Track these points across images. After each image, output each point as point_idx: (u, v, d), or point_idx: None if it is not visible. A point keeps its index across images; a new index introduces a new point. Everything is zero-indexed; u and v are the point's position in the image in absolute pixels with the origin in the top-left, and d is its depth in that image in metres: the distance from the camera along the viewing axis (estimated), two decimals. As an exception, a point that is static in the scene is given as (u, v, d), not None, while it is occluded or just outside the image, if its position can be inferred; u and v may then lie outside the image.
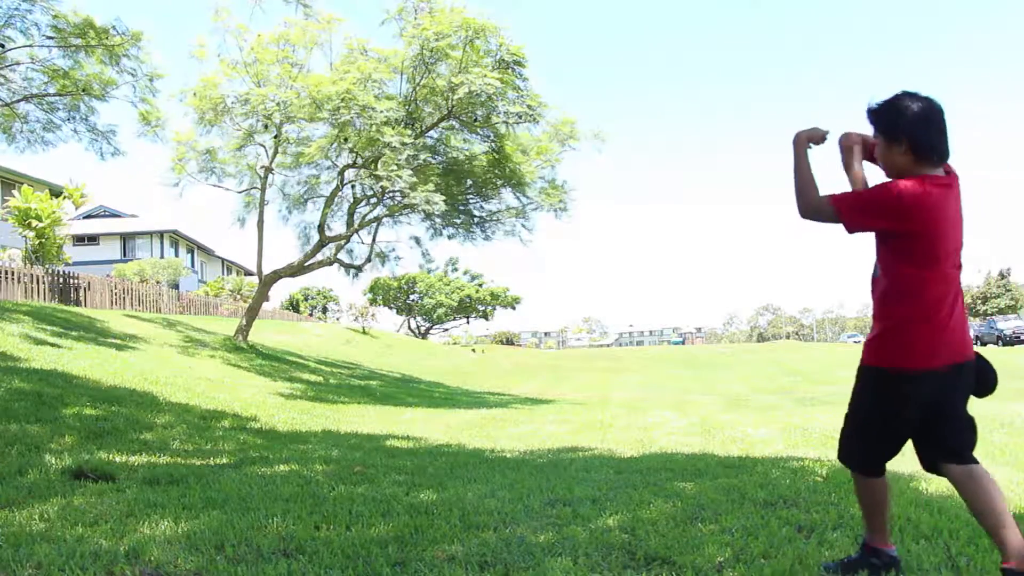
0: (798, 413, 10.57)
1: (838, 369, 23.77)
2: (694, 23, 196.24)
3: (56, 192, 21.76)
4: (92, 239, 39.08)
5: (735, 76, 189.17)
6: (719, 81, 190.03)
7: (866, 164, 2.51)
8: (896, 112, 2.30)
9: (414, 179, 14.48)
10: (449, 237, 18.54)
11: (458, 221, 17.74)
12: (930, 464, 2.38)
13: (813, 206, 2.38)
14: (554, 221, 17.92)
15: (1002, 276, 67.12)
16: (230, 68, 16.15)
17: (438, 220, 17.60)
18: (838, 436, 2.58)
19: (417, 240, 19.14)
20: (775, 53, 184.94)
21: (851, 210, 2.33)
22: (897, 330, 2.33)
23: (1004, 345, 32.96)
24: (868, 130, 2.45)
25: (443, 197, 14.85)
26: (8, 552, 2.58)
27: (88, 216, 40.57)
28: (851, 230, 2.35)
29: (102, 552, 2.60)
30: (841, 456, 2.55)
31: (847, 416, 2.53)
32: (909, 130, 2.28)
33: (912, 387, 2.29)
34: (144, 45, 13.58)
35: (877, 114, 2.36)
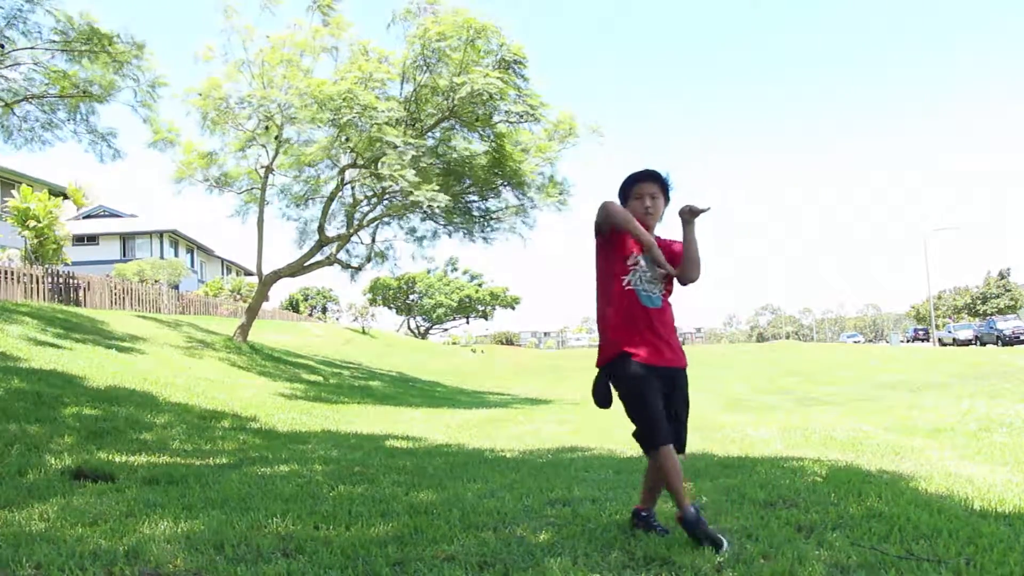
0: (798, 413, 10.57)
1: (838, 369, 23.78)
2: (691, 23, 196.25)
3: (56, 192, 21.74)
4: (92, 239, 39.06)
5: (735, 76, 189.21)
6: (719, 80, 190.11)
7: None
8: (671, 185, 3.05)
9: (418, 179, 14.47)
10: (449, 235, 18.54)
11: (458, 220, 17.72)
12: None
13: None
14: (554, 220, 17.84)
15: (1002, 276, 67.16)
16: (235, 70, 16.18)
17: (439, 219, 17.60)
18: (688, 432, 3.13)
19: (417, 237, 19.13)
20: (775, 53, 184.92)
21: None
22: None
23: (1004, 345, 32.96)
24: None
25: (447, 198, 14.83)
26: (8, 552, 2.58)
27: (88, 216, 40.54)
28: None
29: (102, 552, 2.60)
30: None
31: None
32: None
33: None
34: (148, 54, 13.62)
35: (667, 181, 3.00)
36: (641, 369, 2.84)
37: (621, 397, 2.91)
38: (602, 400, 2.99)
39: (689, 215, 2.91)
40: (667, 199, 3.00)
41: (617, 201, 2.99)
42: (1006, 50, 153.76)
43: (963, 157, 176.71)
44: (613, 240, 2.95)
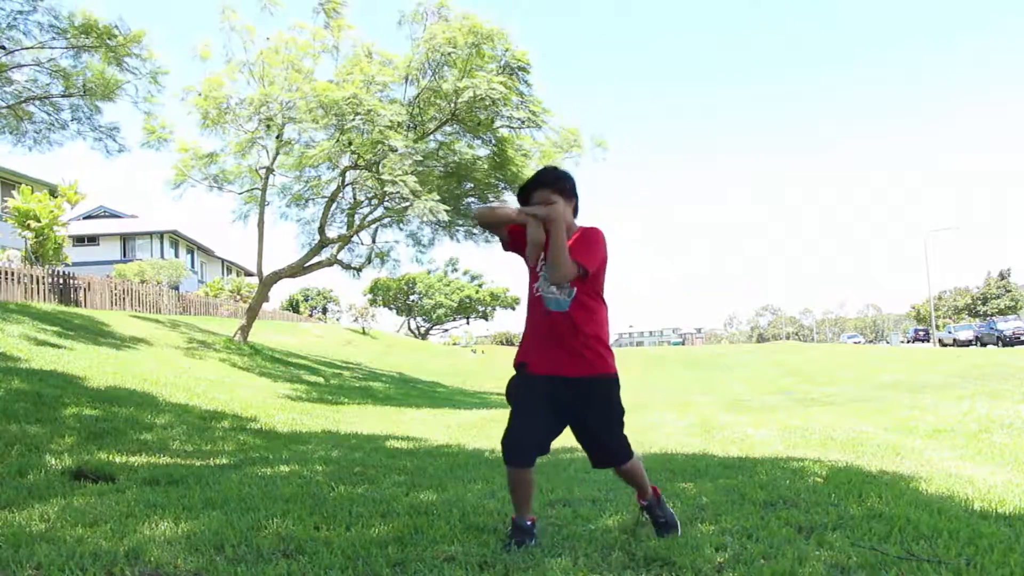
0: (798, 414, 10.57)
1: (838, 370, 23.78)
2: (689, 24, 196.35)
3: (56, 192, 21.73)
4: (92, 239, 39.08)
5: (734, 76, 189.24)
6: (718, 81, 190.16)
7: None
8: (572, 179, 2.86)
9: (418, 186, 14.48)
10: (450, 237, 18.56)
11: (459, 224, 17.75)
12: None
13: (570, 271, 2.69)
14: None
15: (1002, 277, 67.22)
16: (235, 70, 16.19)
17: (439, 225, 17.61)
18: (626, 442, 2.87)
19: (417, 240, 19.14)
20: (775, 53, 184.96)
21: (599, 261, 2.78)
22: (608, 345, 2.85)
23: (1004, 346, 32.96)
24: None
25: (446, 207, 14.83)
26: (8, 552, 2.58)
27: (88, 216, 40.59)
28: (588, 273, 2.75)
29: (102, 552, 2.60)
30: (631, 452, 2.86)
31: (622, 422, 2.85)
32: (576, 192, 2.87)
33: None
34: (147, 45, 13.63)
35: (564, 180, 2.83)
36: (525, 382, 2.78)
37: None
38: (508, 399, 2.94)
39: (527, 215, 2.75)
40: (571, 197, 2.83)
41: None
42: (1006, 50, 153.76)
43: (963, 157, 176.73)
44: (521, 249, 2.87)
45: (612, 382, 2.81)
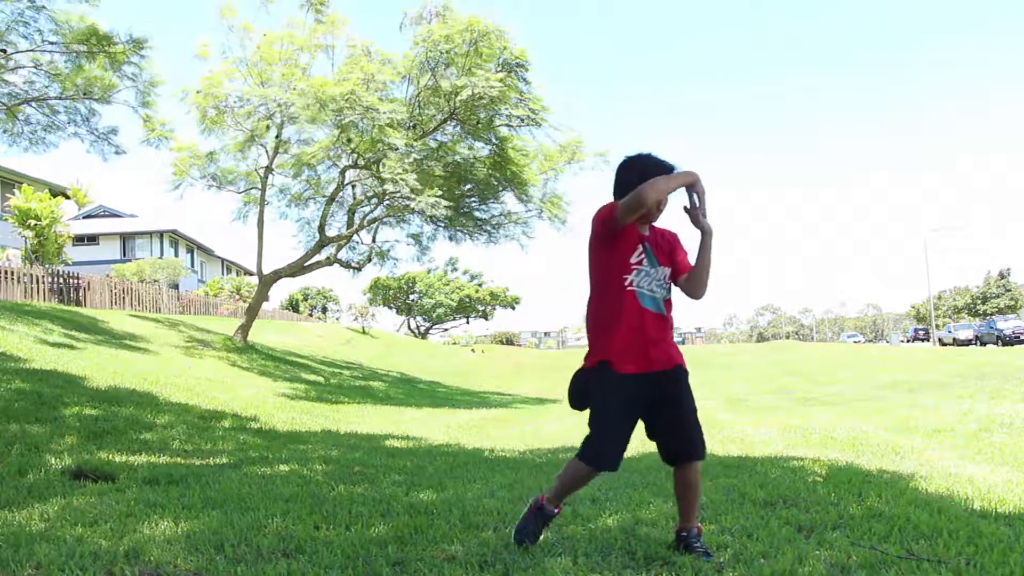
0: (798, 413, 10.57)
1: (838, 369, 23.76)
2: (689, 23, 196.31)
3: (56, 192, 21.75)
4: (92, 239, 39.06)
5: (734, 76, 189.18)
6: (717, 82, 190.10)
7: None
8: None
9: (418, 184, 14.48)
10: (450, 238, 18.56)
11: (459, 223, 17.75)
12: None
13: None
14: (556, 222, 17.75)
15: (1002, 276, 67.24)
16: (233, 68, 16.18)
17: (440, 223, 17.61)
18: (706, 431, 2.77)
19: (417, 239, 19.15)
20: (775, 53, 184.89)
21: None
22: None
23: (1004, 345, 32.95)
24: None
25: (447, 202, 14.83)
26: (8, 552, 2.58)
27: (88, 216, 40.54)
28: None
29: (102, 552, 2.60)
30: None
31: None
32: None
33: None
34: (146, 52, 13.63)
35: None
36: (619, 384, 2.61)
37: (590, 405, 2.69)
38: (575, 402, 2.77)
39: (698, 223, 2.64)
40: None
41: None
42: (1006, 50, 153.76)
43: (964, 157, 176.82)
44: (621, 233, 2.64)
45: (687, 372, 2.75)
